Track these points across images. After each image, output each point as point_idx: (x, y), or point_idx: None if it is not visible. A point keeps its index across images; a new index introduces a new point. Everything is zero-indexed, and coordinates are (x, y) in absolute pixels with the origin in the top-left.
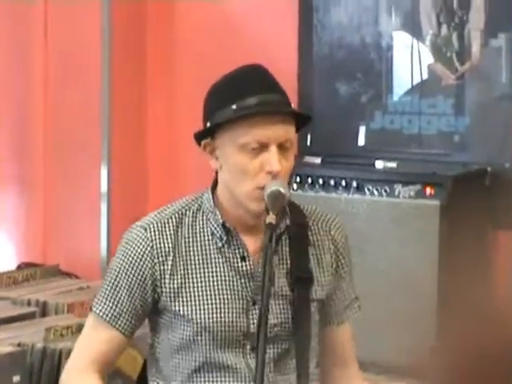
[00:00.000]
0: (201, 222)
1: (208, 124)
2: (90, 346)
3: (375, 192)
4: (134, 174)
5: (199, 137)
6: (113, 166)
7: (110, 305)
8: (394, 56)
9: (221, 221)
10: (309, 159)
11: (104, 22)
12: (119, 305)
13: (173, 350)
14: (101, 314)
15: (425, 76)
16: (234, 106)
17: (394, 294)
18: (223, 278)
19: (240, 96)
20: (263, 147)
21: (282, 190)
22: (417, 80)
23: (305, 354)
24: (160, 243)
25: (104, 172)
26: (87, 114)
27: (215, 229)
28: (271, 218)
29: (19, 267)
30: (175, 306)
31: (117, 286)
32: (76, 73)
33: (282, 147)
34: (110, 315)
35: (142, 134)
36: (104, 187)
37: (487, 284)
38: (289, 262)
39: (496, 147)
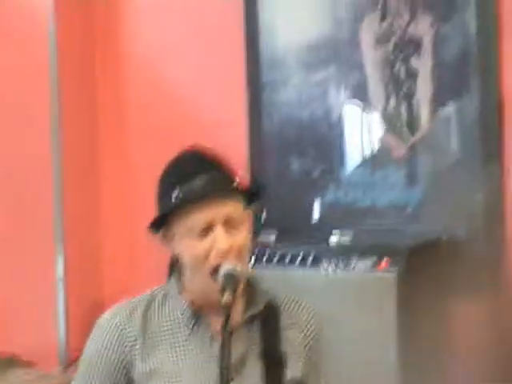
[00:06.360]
0: (169, 306)
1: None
2: None
3: (331, 266)
4: (89, 257)
5: (154, 227)
6: (67, 250)
7: None
8: (344, 129)
9: (186, 304)
10: (264, 236)
11: (52, 73)
12: None
13: None
14: None
15: (376, 148)
16: (175, 194)
17: (353, 368)
18: (194, 362)
19: (179, 182)
20: (210, 227)
21: (236, 268)
22: (368, 152)
23: None
24: (128, 328)
25: (60, 258)
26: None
27: (182, 312)
28: (227, 298)
29: None
30: None
31: (89, 374)
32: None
33: (229, 224)
34: None
35: (96, 215)
36: (60, 272)
37: (446, 351)
38: (261, 343)
39: (450, 215)
